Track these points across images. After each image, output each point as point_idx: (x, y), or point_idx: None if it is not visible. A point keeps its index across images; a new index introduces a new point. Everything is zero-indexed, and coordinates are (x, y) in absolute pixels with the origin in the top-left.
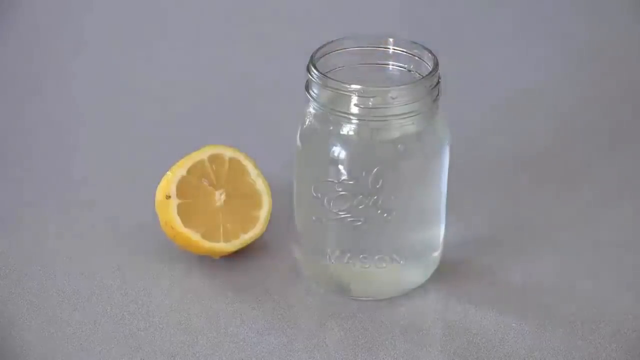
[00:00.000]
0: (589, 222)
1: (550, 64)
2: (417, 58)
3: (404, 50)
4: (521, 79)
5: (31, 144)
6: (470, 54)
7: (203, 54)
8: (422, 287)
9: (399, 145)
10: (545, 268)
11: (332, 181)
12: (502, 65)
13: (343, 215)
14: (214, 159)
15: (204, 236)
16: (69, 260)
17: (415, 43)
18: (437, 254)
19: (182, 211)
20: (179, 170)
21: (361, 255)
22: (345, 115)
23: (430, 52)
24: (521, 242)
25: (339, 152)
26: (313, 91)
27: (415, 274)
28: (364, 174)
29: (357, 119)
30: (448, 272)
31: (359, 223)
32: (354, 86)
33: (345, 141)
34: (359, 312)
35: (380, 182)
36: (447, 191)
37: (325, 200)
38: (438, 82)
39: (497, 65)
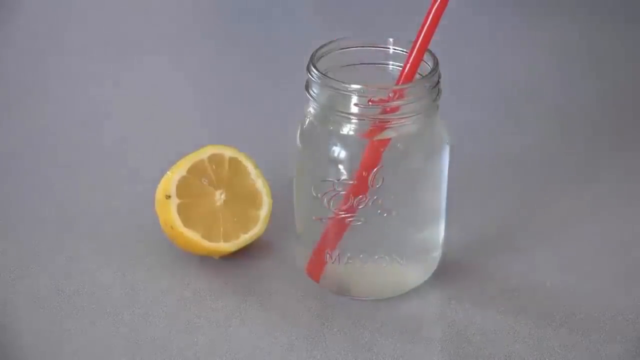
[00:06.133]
0: (589, 222)
1: (550, 64)
2: None
3: (404, 50)
4: (521, 79)
5: (30, 144)
6: (471, 53)
7: (203, 53)
8: (422, 287)
9: (398, 145)
10: (545, 268)
11: (332, 181)
12: (502, 65)
13: (343, 215)
14: (214, 159)
15: (204, 236)
16: (69, 260)
17: None
18: (437, 254)
19: (182, 211)
20: (179, 170)
21: (361, 255)
22: (345, 114)
23: (430, 52)
24: (521, 242)
25: (338, 152)
26: (313, 91)
27: (415, 274)
28: (364, 173)
29: (357, 119)
30: (448, 272)
31: (359, 223)
32: (353, 86)
33: (345, 141)
34: (359, 312)
35: (380, 182)
36: (447, 191)
37: (325, 200)
38: (438, 82)
39: (497, 65)
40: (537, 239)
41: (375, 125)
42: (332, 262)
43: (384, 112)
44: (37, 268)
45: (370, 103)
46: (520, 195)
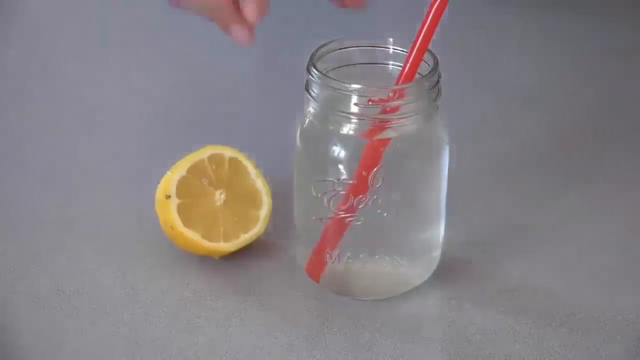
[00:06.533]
0: (589, 222)
1: (550, 65)
2: None
3: (404, 50)
4: (521, 79)
5: (31, 144)
6: (471, 54)
7: (203, 53)
8: (422, 287)
9: (398, 145)
10: (545, 268)
11: (332, 180)
12: (502, 65)
13: (343, 215)
14: (214, 159)
15: (204, 236)
16: (69, 260)
17: None
18: (437, 254)
19: (182, 211)
20: (179, 170)
21: (361, 255)
22: (345, 114)
23: (430, 51)
24: (521, 242)
25: (338, 151)
26: (313, 91)
27: (415, 274)
28: (363, 173)
29: (357, 119)
30: (448, 272)
31: (359, 223)
32: (353, 86)
33: (345, 141)
34: (359, 312)
35: (380, 182)
36: (447, 190)
37: (325, 200)
38: (438, 82)
39: (498, 65)
40: (537, 238)
41: (375, 125)
42: (332, 262)
43: (384, 111)
44: (37, 268)
45: (369, 103)
46: (520, 195)
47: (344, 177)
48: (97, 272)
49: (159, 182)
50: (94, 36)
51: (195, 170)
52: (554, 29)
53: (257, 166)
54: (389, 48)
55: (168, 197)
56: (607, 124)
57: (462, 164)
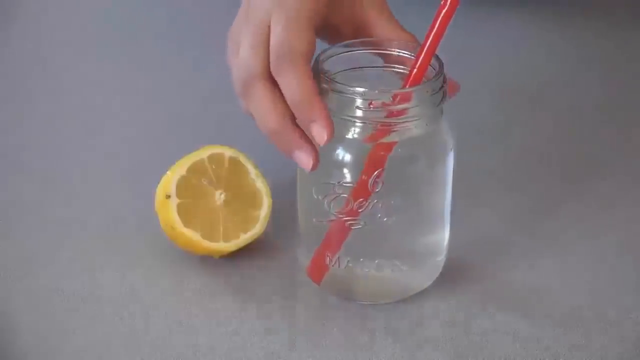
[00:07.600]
0: (590, 223)
1: (554, 67)
2: None
3: (409, 53)
4: (524, 81)
5: (31, 144)
6: (473, 55)
7: (204, 53)
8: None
9: (399, 150)
10: (545, 268)
11: (333, 183)
12: (505, 67)
13: (344, 218)
14: (214, 158)
15: (204, 236)
16: (69, 260)
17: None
18: (440, 259)
19: (182, 211)
20: (179, 170)
21: (361, 259)
22: (348, 118)
23: (436, 55)
24: (521, 242)
25: (340, 154)
26: None
27: (418, 279)
28: (363, 177)
29: (360, 122)
30: (449, 272)
31: (359, 227)
32: (357, 89)
33: (348, 144)
34: (359, 312)
35: (380, 186)
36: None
37: (325, 203)
38: (442, 86)
39: (501, 67)
40: (538, 239)
41: (379, 129)
42: (332, 266)
43: (388, 115)
44: (37, 268)
45: (371, 107)
46: (521, 197)
47: (344, 179)
48: (97, 272)
49: (159, 182)
50: (94, 36)
51: (195, 170)
52: (558, 29)
53: (256, 166)
54: (393, 51)
55: (168, 197)
56: (611, 125)
57: (464, 166)
